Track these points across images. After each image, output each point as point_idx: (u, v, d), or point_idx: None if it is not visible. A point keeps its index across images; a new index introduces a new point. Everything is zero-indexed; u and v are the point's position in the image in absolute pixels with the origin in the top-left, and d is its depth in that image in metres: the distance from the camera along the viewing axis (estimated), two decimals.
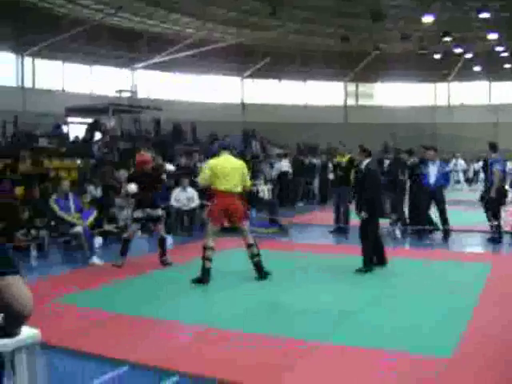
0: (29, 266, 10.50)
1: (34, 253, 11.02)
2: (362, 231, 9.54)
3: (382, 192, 10.13)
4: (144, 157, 10.66)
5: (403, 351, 5.59)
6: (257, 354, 5.67)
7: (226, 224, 9.42)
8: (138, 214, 10.15)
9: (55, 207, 10.84)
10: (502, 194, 12.90)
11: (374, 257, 9.54)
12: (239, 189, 8.88)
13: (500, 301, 7.53)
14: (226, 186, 8.68)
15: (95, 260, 10.39)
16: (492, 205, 12.71)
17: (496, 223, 12.68)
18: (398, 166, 14.15)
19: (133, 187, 10.02)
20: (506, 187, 13.98)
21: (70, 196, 11.13)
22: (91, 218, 11.13)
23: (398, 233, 13.74)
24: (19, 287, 2.40)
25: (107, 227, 13.41)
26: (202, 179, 9.06)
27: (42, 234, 11.56)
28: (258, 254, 8.82)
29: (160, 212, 10.51)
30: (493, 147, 13.02)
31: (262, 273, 8.79)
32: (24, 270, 10.20)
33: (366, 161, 9.72)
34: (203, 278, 8.58)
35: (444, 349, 5.62)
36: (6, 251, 2.46)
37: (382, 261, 9.64)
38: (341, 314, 6.97)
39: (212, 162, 9.05)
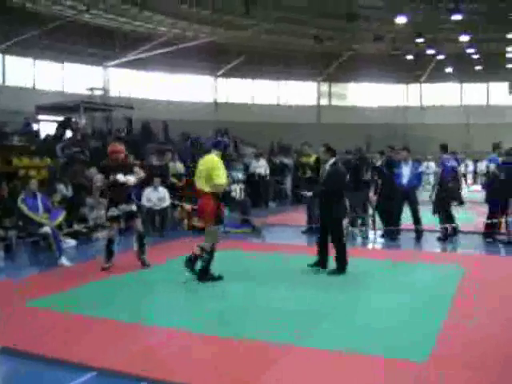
0: None
1: (0, 253, 10.81)
2: (333, 233, 9.47)
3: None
4: (116, 147, 10.27)
5: (377, 355, 5.54)
6: (229, 358, 5.58)
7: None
8: (113, 212, 9.80)
9: (23, 206, 10.62)
10: (450, 192, 13.19)
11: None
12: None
13: (474, 303, 7.51)
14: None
15: (64, 261, 10.20)
16: (439, 203, 13.01)
17: (445, 225, 12.90)
18: (362, 165, 14.16)
19: (120, 177, 9.67)
20: (463, 186, 14.24)
21: (38, 195, 10.91)
22: (60, 218, 10.94)
23: (356, 233, 13.77)
24: None
25: (77, 227, 13.23)
26: (224, 179, 8.81)
27: (10, 235, 11.35)
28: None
29: (134, 207, 10.18)
30: (443, 148, 13.54)
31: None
32: None
33: (332, 160, 9.66)
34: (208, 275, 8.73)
35: (419, 352, 5.57)
36: None
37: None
38: (314, 317, 6.88)
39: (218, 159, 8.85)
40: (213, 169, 8.65)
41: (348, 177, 10.13)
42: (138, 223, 10.04)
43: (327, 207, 9.50)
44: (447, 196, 13.14)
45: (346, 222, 12.21)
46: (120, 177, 9.63)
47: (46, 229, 10.38)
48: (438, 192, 13.21)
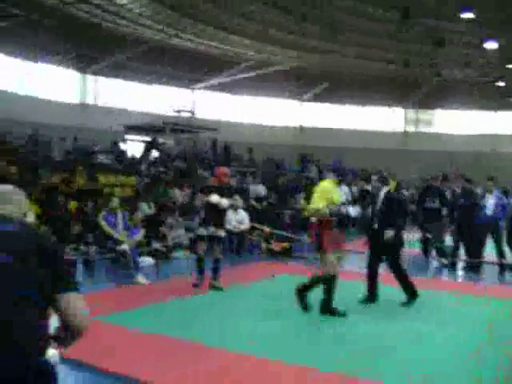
0: None
1: (80, 268, 11.07)
2: (392, 264, 9.19)
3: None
4: (225, 169, 10.48)
5: None
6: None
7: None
8: (201, 232, 9.96)
9: (103, 223, 10.86)
10: None
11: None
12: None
13: None
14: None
15: (139, 278, 10.34)
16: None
17: None
18: (427, 193, 13.83)
19: (215, 198, 9.68)
20: None
21: (119, 213, 11.13)
22: (139, 236, 11.10)
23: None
24: (79, 304, 2.74)
25: (156, 246, 13.42)
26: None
27: (90, 250, 11.63)
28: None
29: (223, 233, 10.27)
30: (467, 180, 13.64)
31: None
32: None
33: (386, 188, 9.36)
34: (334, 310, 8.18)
35: None
36: (71, 268, 2.59)
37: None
38: (380, 350, 6.60)
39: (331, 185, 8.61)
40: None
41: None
42: (218, 248, 10.03)
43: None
44: None
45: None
46: (214, 198, 9.70)
47: (124, 246, 10.56)
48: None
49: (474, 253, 12.94)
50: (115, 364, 5.88)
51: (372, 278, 9.17)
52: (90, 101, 28.80)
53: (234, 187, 16.07)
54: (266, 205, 17.29)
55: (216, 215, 9.88)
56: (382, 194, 9.32)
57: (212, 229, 9.85)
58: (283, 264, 13.42)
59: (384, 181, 9.47)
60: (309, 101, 37.96)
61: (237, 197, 10.56)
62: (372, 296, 9.09)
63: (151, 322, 7.60)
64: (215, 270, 9.94)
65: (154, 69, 30.60)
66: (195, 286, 9.83)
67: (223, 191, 9.90)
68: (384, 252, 9.19)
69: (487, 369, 5.92)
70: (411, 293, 9.00)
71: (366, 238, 10.28)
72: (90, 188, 16.69)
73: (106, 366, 5.80)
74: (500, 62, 30.10)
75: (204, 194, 10.00)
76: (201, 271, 9.94)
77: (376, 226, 9.20)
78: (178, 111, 29.38)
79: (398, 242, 9.25)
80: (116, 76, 29.64)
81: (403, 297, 8.96)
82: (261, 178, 20.83)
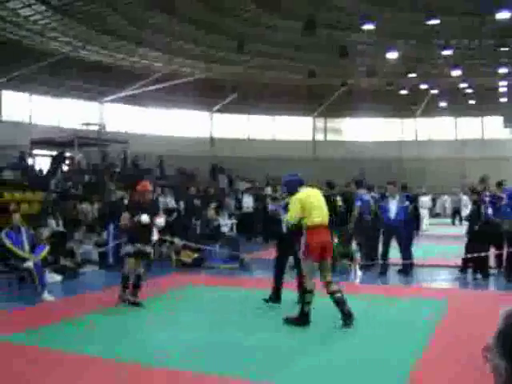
0: None
1: None
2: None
3: None
4: (147, 185, 10.28)
5: None
6: None
7: None
8: (129, 248, 9.78)
9: (6, 241, 10.65)
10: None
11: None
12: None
13: (452, 341, 7.35)
14: (320, 218, 8.23)
15: (46, 296, 10.20)
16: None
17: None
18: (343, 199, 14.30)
19: (145, 218, 9.57)
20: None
21: (23, 230, 10.94)
22: (43, 253, 10.92)
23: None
24: None
25: (64, 262, 13.25)
26: (293, 215, 8.25)
27: None
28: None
29: (150, 249, 10.17)
30: (357, 183, 14.64)
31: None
32: None
33: None
34: (302, 321, 8.02)
35: None
36: None
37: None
38: (289, 353, 6.78)
39: (301, 195, 8.32)
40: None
41: None
42: (142, 264, 9.94)
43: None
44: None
45: None
46: (145, 218, 9.66)
47: (29, 263, 10.38)
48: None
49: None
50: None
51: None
52: None
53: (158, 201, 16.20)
54: (175, 217, 17.33)
55: (143, 232, 9.84)
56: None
57: (139, 245, 9.80)
58: (195, 275, 13.54)
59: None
60: (219, 111, 38.22)
61: (161, 213, 10.49)
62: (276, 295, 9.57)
63: (61, 340, 7.51)
64: (137, 286, 9.80)
65: (62, 82, 30.13)
66: (124, 301, 9.62)
67: (147, 208, 9.87)
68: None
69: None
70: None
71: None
72: None
73: None
74: (402, 72, 31.22)
75: (130, 213, 9.92)
76: (124, 288, 9.71)
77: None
78: (87, 124, 29.01)
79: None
80: (22, 90, 29.01)
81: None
82: (171, 189, 20.82)
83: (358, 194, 14.05)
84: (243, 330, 7.92)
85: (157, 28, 26.48)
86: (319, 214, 8.24)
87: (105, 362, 6.55)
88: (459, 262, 13.09)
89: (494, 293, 11.41)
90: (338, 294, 8.03)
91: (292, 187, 8.58)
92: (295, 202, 8.24)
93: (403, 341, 7.31)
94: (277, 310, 9.14)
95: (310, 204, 8.18)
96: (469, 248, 12.63)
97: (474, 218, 12.99)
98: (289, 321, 8.11)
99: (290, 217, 8.29)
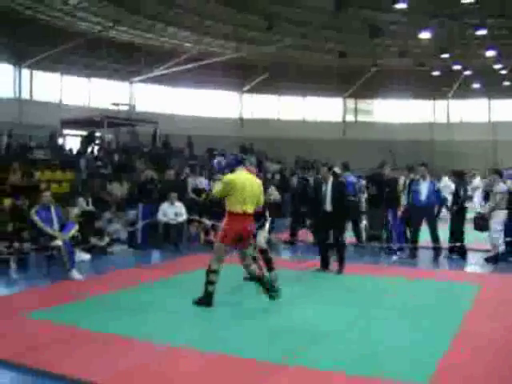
0: (8, 279, 10.42)
1: (13, 266, 10.92)
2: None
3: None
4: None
5: (376, 377, 5.32)
6: (221, 375, 5.46)
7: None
8: None
9: (36, 219, 10.68)
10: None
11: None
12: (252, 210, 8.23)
13: (481, 327, 7.19)
14: (244, 207, 8.03)
15: (75, 274, 10.22)
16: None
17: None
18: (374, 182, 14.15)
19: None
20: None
21: (52, 208, 10.96)
22: (72, 231, 10.93)
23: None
24: None
25: (93, 241, 13.29)
26: (218, 192, 8.19)
27: (25, 247, 11.44)
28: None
29: None
30: (345, 166, 14.60)
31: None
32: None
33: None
34: (206, 301, 8.03)
35: (419, 376, 5.32)
36: None
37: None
38: (317, 335, 6.67)
39: (231, 177, 8.19)
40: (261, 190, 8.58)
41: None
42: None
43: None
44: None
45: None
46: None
47: (58, 241, 10.40)
48: None
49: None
50: (43, 361, 5.79)
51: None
52: (25, 95, 28.22)
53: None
54: (205, 197, 17.25)
55: None
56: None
57: None
58: None
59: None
60: (248, 92, 38.00)
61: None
62: None
63: (85, 318, 7.49)
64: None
65: (93, 62, 30.21)
66: None
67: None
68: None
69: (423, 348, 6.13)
70: None
71: None
72: (25, 184, 16.36)
73: (35, 365, 5.70)
74: (434, 52, 30.73)
75: None
76: None
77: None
78: (116, 104, 29.03)
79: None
80: (52, 70, 29.11)
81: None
82: (201, 170, 20.75)
83: (344, 176, 13.74)
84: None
85: (187, 7, 26.34)
86: (247, 200, 8.06)
87: (129, 340, 6.51)
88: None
89: None
90: (252, 267, 8.38)
91: (231, 167, 8.59)
92: (227, 181, 8.10)
93: (437, 324, 7.15)
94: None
95: (242, 189, 8.03)
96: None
97: None
98: (195, 302, 8.08)
99: (216, 191, 8.35)
